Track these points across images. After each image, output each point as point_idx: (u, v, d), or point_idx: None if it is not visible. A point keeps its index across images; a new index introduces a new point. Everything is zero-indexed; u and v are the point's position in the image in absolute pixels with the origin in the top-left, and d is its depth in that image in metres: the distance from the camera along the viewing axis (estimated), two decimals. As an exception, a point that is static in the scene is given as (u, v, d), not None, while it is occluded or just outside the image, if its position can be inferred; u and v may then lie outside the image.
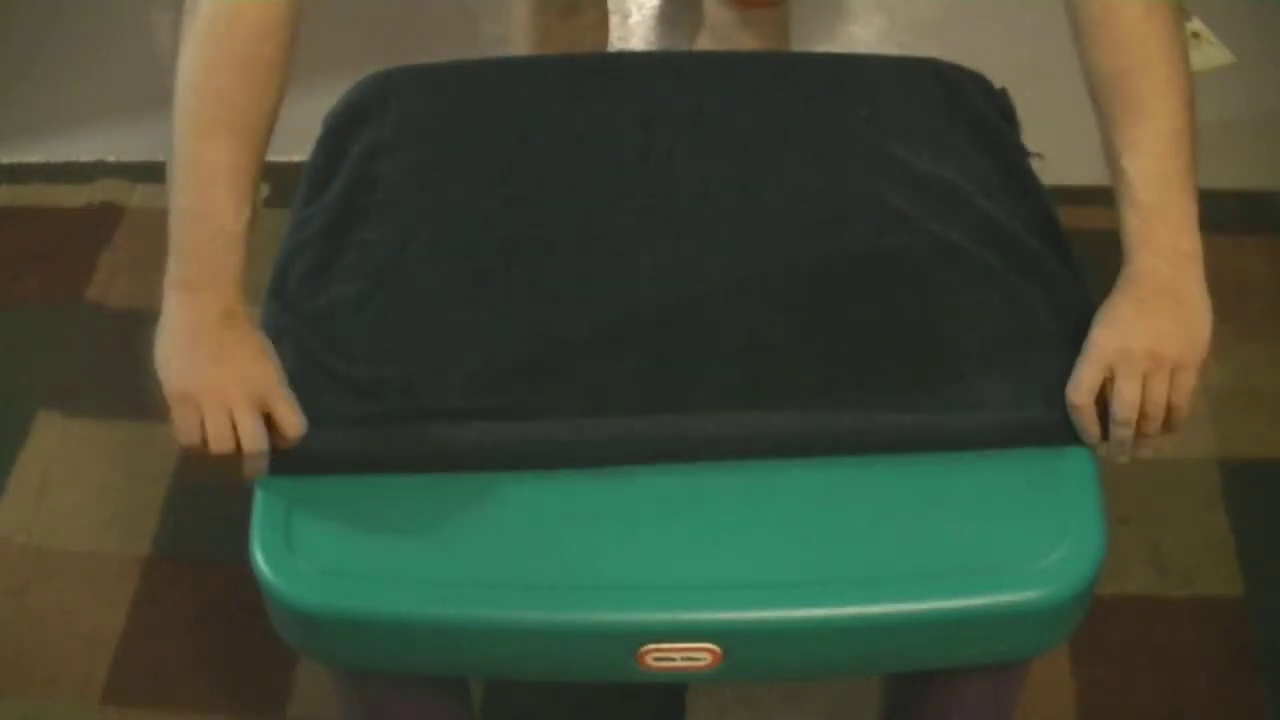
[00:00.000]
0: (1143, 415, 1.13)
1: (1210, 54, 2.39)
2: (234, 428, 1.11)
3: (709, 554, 1.10)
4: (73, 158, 2.28)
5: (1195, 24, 2.43)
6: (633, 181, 1.32)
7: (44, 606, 1.74)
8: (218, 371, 1.11)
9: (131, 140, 2.25)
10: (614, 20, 2.45)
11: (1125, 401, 1.12)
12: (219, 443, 1.10)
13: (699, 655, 1.10)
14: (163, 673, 1.68)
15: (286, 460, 1.14)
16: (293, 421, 1.12)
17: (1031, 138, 1.39)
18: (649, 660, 1.10)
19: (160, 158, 2.05)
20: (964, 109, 1.38)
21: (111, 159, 2.26)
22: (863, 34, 2.50)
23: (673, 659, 1.10)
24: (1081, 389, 1.14)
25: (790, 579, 1.09)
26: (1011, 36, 2.39)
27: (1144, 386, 1.13)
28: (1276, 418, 1.89)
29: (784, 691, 1.63)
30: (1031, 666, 1.29)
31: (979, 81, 1.43)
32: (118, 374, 1.95)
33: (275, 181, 2.12)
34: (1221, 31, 2.43)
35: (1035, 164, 1.35)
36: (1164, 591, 1.72)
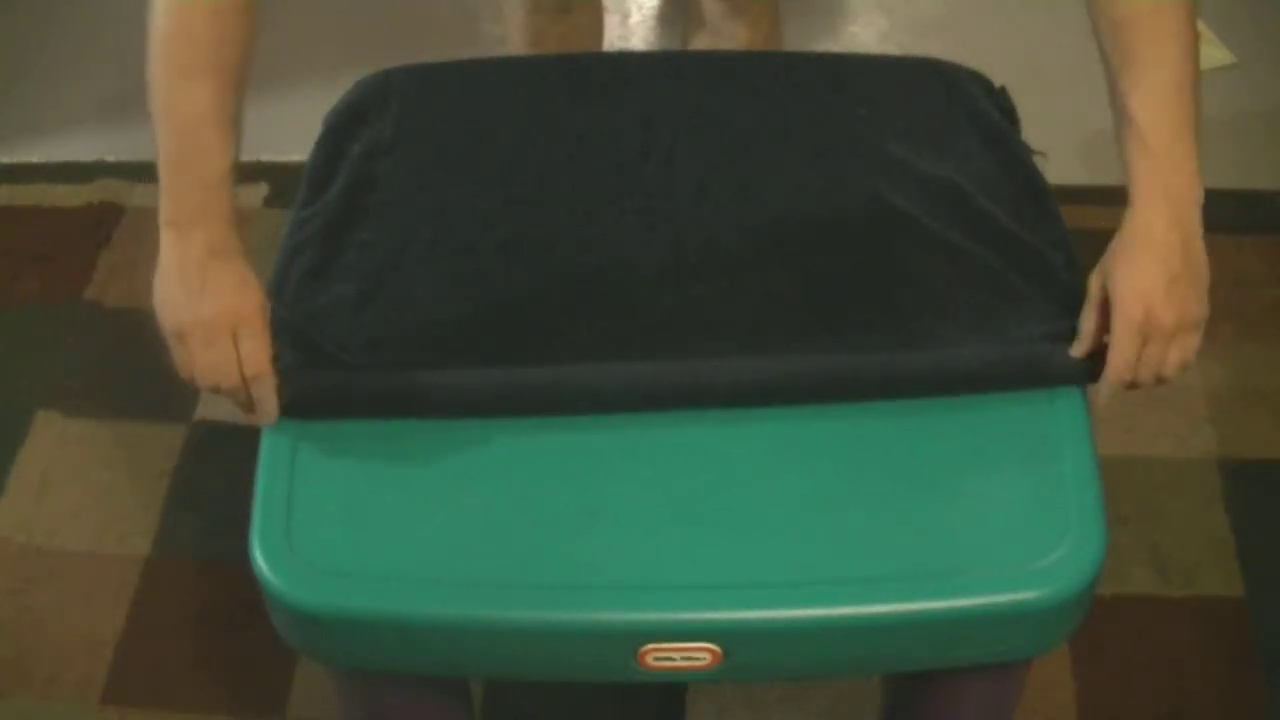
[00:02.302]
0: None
1: (1210, 54, 2.39)
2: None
3: (709, 554, 1.10)
4: (72, 158, 2.28)
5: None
6: (633, 181, 1.32)
7: (44, 606, 1.74)
8: (201, 305, 1.12)
9: (131, 140, 2.24)
10: (614, 20, 2.46)
11: (1147, 370, 1.15)
12: (203, 376, 1.13)
13: (699, 655, 1.10)
14: (163, 673, 1.67)
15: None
16: (254, 358, 1.13)
17: (1031, 137, 1.39)
18: (649, 660, 1.10)
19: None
20: (964, 108, 1.38)
21: (111, 159, 2.26)
22: (863, 34, 2.50)
23: (673, 659, 1.10)
24: (1124, 365, 1.14)
25: (790, 579, 1.09)
26: (1011, 36, 2.39)
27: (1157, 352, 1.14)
28: (1276, 418, 1.89)
29: (784, 691, 1.63)
30: (1031, 666, 1.29)
31: (979, 81, 1.43)
32: (118, 374, 1.95)
33: (275, 181, 2.15)
34: (1221, 31, 2.43)
35: (1036, 162, 1.35)
36: (1164, 592, 1.71)
